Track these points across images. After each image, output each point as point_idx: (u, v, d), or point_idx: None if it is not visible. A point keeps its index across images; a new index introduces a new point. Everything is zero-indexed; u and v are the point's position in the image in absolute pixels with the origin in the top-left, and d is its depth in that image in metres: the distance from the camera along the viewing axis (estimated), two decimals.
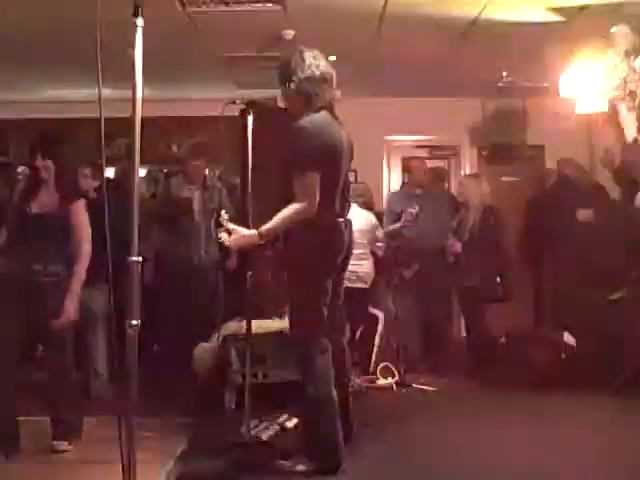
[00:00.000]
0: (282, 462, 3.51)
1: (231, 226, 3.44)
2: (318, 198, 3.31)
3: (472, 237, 5.94)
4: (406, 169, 6.60)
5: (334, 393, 3.40)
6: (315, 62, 3.42)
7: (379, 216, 6.20)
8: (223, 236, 3.46)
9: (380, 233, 5.91)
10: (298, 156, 3.33)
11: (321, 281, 3.44)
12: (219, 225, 3.57)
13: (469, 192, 6.09)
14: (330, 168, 3.39)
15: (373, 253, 5.90)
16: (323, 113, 3.44)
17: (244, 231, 3.44)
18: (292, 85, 3.41)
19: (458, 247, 5.95)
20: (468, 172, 7.62)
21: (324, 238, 3.42)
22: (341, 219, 3.51)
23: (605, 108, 5.29)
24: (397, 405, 4.99)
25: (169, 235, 5.52)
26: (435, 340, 6.14)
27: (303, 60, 3.41)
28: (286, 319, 3.67)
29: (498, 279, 5.87)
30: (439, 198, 6.56)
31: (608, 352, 5.15)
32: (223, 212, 3.52)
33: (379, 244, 5.89)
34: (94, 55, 2.18)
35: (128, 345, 2.20)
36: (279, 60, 3.68)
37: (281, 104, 3.66)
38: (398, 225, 6.04)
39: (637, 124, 4.93)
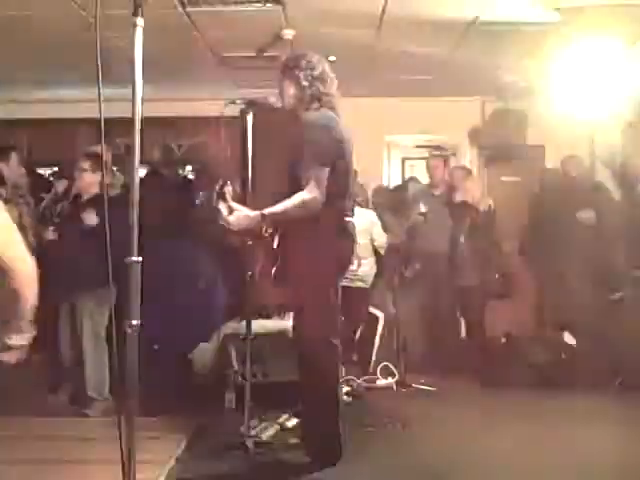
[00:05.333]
0: (281, 455, 3.56)
1: (234, 204, 3.34)
2: (325, 194, 3.31)
3: (470, 235, 5.95)
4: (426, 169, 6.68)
5: (340, 388, 3.54)
6: (322, 65, 3.51)
7: None
8: (223, 211, 3.31)
9: (377, 230, 5.90)
10: (311, 148, 3.33)
11: (333, 279, 3.48)
12: (221, 197, 3.39)
13: (464, 186, 6.13)
14: (340, 164, 3.43)
15: (376, 252, 5.90)
16: (330, 111, 3.48)
17: (247, 211, 3.34)
18: (304, 82, 3.46)
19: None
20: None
21: (335, 236, 3.43)
22: (350, 218, 3.53)
23: (605, 108, 5.31)
24: (397, 405, 4.99)
25: None
26: (435, 340, 6.14)
27: (312, 60, 3.49)
28: (287, 318, 3.67)
29: (497, 276, 5.88)
30: (445, 198, 6.54)
31: (608, 352, 5.15)
32: (228, 182, 3.41)
33: (377, 242, 5.87)
34: (94, 55, 2.18)
35: (128, 345, 2.21)
36: (282, 59, 3.69)
37: (278, 101, 3.66)
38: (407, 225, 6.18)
39: None
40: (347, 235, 3.51)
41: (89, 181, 4.78)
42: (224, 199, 3.35)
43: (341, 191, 3.44)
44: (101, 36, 2.16)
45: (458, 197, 6.17)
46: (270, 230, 3.44)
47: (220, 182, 3.39)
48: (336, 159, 3.39)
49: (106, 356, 4.63)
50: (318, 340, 3.41)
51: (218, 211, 3.35)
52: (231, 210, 3.31)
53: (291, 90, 3.51)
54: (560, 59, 5.29)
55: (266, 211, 3.29)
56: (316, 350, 3.42)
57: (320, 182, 3.29)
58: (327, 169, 3.33)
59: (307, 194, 3.27)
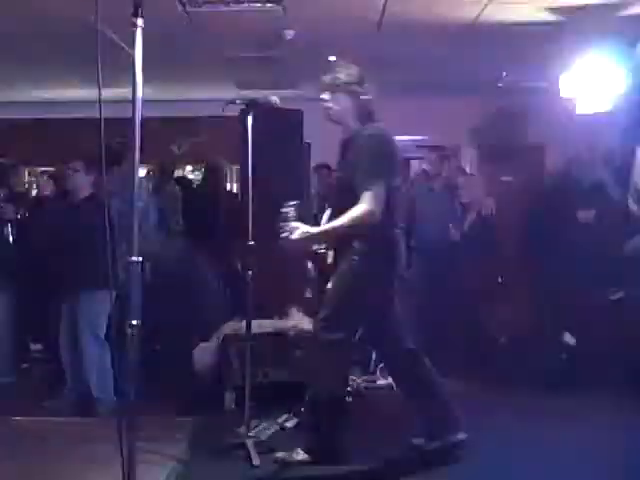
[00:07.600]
0: (280, 454, 3.55)
1: (296, 223, 3.35)
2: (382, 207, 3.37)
3: (470, 235, 5.96)
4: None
5: (344, 389, 3.66)
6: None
7: None
8: (285, 230, 3.32)
9: None
10: (370, 163, 3.39)
11: (388, 290, 3.54)
12: (284, 219, 3.37)
13: (464, 185, 6.14)
14: (394, 178, 3.51)
15: None
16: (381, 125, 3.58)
17: (307, 228, 3.36)
18: (355, 97, 3.56)
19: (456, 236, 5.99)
20: (468, 172, 7.62)
21: (389, 248, 3.48)
22: (399, 230, 3.58)
23: (605, 108, 5.31)
24: (397, 405, 4.99)
25: None
26: (435, 340, 6.13)
27: (364, 76, 3.64)
28: (287, 318, 3.64)
29: (500, 279, 5.88)
30: (444, 196, 6.53)
31: (608, 352, 5.15)
32: (292, 203, 3.39)
33: None
34: (94, 55, 2.18)
35: (129, 345, 2.21)
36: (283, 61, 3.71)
37: (278, 101, 3.69)
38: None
39: None
40: (398, 246, 3.54)
41: (81, 182, 4.78)
42: (286, 220, 3.37)
43: (392, 204, 3.48)
44: (101, 36, 2.16)
45: (458, 197, 6.16)
46: (325, 245, 3.49)
47: (286, 205, 3.40)
48: (393, 173, 3.49)
49: (108, 355, 4.64)
50: (338, 342, 3.45)
51: (280, 230, 3.37)
52: (291, 230, 3.33)
53: (345, 104, 3.56)
54: (560, 59, 5.30)
55: (327, 227, 3.38)
56: (331, 352, 3.46)
57: (379, 196, 3.34)
58: (385, 183, 3.39)
59: (366, 207, 3.31)
